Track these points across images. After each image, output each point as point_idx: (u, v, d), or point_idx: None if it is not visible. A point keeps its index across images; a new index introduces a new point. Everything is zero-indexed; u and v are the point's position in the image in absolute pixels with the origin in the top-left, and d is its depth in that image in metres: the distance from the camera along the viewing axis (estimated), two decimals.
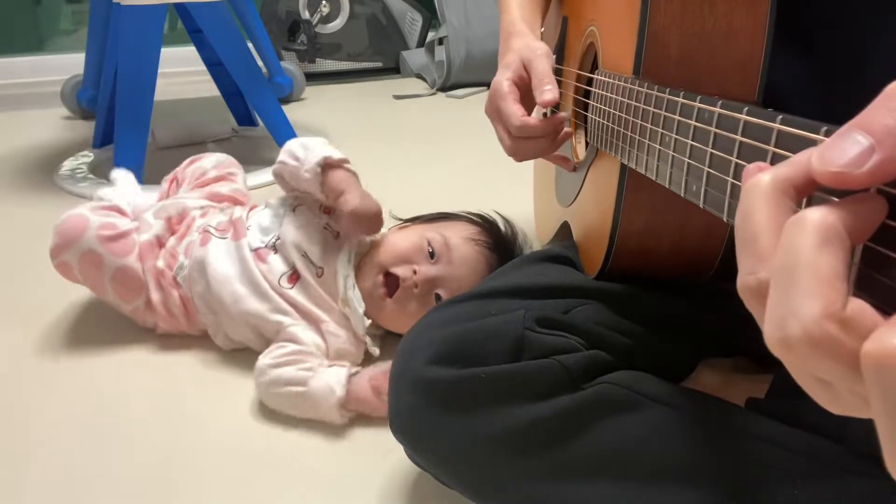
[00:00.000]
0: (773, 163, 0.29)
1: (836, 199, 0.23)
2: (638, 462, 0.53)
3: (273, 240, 0.90)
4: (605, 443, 0.53)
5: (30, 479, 0.69)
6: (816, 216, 0.22)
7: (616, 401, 0.55)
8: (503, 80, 0.69)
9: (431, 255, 0.86)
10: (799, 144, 0.27)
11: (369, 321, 0.85)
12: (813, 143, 0.26)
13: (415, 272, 0.85)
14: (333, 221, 0.92)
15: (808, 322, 0.21)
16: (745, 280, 0.24)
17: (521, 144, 0.69)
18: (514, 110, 0.67)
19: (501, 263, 0.88)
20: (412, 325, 0.83)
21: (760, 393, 0.63)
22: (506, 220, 0.98)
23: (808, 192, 0.24)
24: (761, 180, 0.24)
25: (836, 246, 0.22)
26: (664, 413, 0.55)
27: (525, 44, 0.71)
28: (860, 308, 0.21)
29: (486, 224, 0.94)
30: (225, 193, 1.03)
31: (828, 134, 0.25)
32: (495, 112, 0.70)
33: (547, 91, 0.64)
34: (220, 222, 0.95)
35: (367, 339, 0.86)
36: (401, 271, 0.85)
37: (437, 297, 0.85)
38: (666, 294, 0.63)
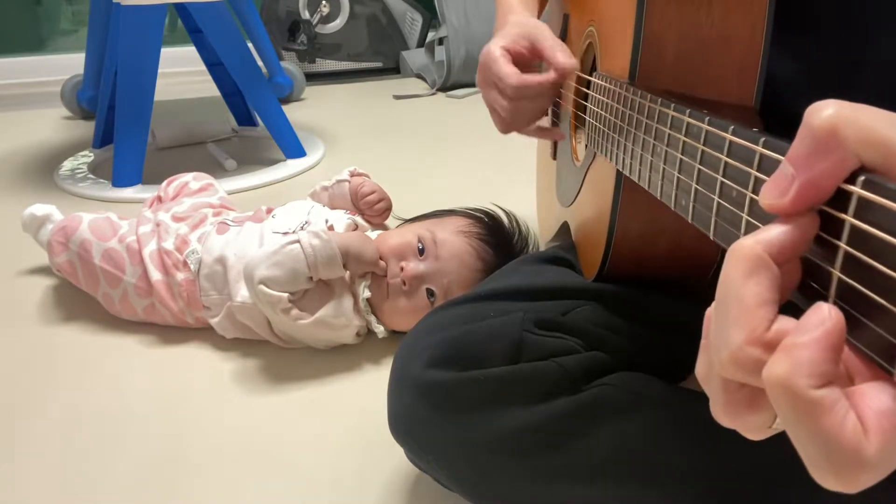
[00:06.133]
0: (755, 186, 0.29)
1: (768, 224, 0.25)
2: (637, 463, 0.53)
3: (302, 224, 0.93)
4: (605, 444, 0.53)
5: (30, 479, 0.69)
6: (744, 245, 0.24)
7: (615, 402, 0.55)
8: (495, 46, 0.67)
9: (421, 251, 0.87)
10: None
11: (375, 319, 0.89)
12: None
13: (402, 269, 0.87)
14: (359, 218, 0.99)
15: (734, 348, 0.24)
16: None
17: (518, 107, 0.67)
18: (509, 70, 0.65)
19: (498, 254, 0.90)
20: (404, 321, 0.86)
21: None
22: (508, 213, 0.99)
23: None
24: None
25: (760, 274, 0.24)
26: (663, 414, 0.55)
27: (524, 20, 0.70)
28: (782, 327, 0.23)
29: (482, 216, 0.95)
30: (216, 203, 1.05)
31: None
32: (487, 79, 0.68)
33: (559, 56, 0.63)
34: (236, 217, 1.00)
35: (372, 319, 0.88)
36: (388, 269, 0.88)
37: (429, 292, 0.86)
38: (665, 295, 0.63)
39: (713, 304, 0.26)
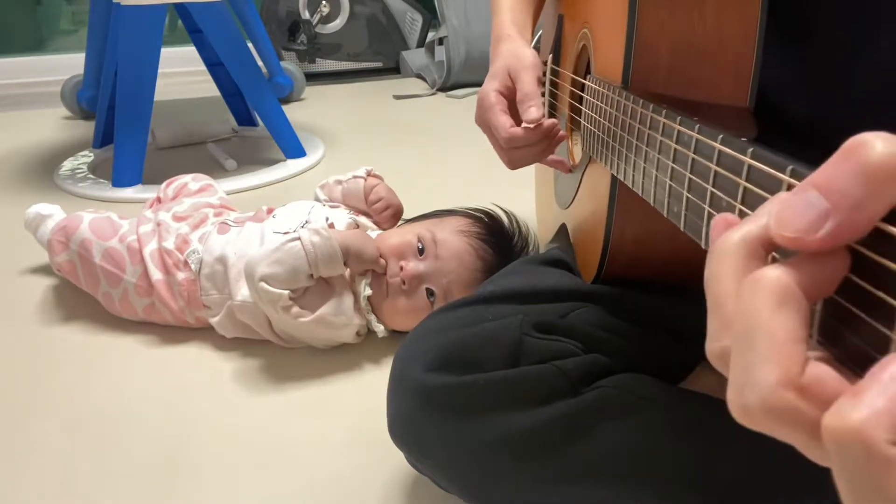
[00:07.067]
0: (744, 197, 0.28)
1: (798, 256, 0.22)
2: (638, 466, 0.53)
3: (302, 223, 0.93)
4: (605, 447, 0.53)
5: (30, 479, 0.69)
6: (772, 277, 0.21)
7: (615, 404, 0.55)
8: (490, 90, 0.69)
9: (421, 251, 0.88)
10: (768, 181, 0.26)
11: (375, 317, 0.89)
12: (779, 182, 0.25)
13: (402, 269, 0.87)
14: (362, 218, 0.99)
15: (766, 391, 0.21)
16: (710, 347, 0.24)
17: (512, 154, 0.69)
18: (502, 122, 0.67)
19: (498, 253, 0.90)
20: (404, 320, 0.86)
21: None
22: (508, 213, 0.99)
23: (777, 248, 0.23)
24: (728, 241, 0.23)
25: (791, 308, 0.21)
26: (663, 416, 0.55)
27: (512, 51, 0.70)
28: (820, 374, 0.20)
29: (482, 216, 0.95)
30: (216, 203, 1.05)
31: (794, 174, 0.25)
32: (484, 123, 0.70)
33: (531, 110, 0.64)
34: (237, 217, 1.00)
35: (373, 318, 0.88)
36: (388, 268, 0.88)
37: (429, 291, 0.86)
38: (663, 296, 0.63)
39: (715, 336, 0.23)
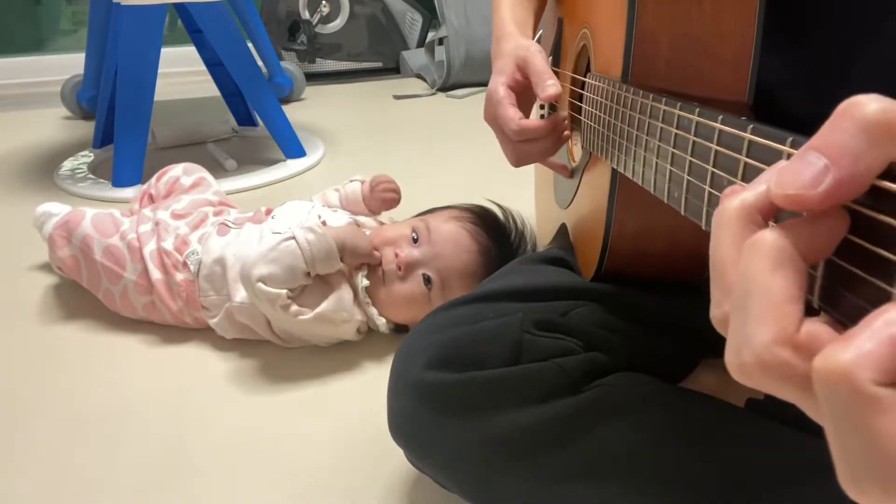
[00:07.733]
0: (745, 173, 0.29)
1: (795, 219, 0.22)
2: (637, 464, 0.53)
3: (301, 224, 0.92)
4: (605, 445, 0.53)
5: (30, 478, 0.69)
6: (769, 239, 0.22)
7: (615, 403, 0.55)
8: (497, 85, 0.68)
9: (415, 240, 0.88)
10: (769, 155, 0.27)
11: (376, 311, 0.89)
12: (780, 154, 0.26)
13: (396, 255, 0.88)
14: (361, 218, 1.00)
15: (760, 348, 0.21)
16: (713, 313, 0.24)
17: (521, 148, 0.69)
18: (511, 114, 0.66)
19: (493, 238, 0.91)
20: (402, 310, 0.87)
21: (760, 393, 0.63)
22: (504, 209, 1.00)
23: (774, 215, 0.24)
24: (726, 210, 0.24)
25: (788, 269, 0.21)
26: (663, 415, 0.55)
27: (515, 45, 0.70)
28: (815, 331, 0.21)
29: (473, 207, 0.97)
30: (214, 200, 1.05)
31: (794, 145, 0.25)
32: (493, 119, 0.69)
33: (550, 86, 0.63)
34: (237, 218, 1.00)
35: (373, 311, 0.88)
36: (383, 257, 0.89)
37: (426, 278, 0.87)
38: (664, 294, 0.63)
39: (717, 302, 0.24)
